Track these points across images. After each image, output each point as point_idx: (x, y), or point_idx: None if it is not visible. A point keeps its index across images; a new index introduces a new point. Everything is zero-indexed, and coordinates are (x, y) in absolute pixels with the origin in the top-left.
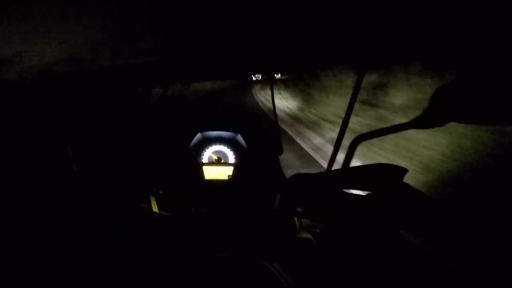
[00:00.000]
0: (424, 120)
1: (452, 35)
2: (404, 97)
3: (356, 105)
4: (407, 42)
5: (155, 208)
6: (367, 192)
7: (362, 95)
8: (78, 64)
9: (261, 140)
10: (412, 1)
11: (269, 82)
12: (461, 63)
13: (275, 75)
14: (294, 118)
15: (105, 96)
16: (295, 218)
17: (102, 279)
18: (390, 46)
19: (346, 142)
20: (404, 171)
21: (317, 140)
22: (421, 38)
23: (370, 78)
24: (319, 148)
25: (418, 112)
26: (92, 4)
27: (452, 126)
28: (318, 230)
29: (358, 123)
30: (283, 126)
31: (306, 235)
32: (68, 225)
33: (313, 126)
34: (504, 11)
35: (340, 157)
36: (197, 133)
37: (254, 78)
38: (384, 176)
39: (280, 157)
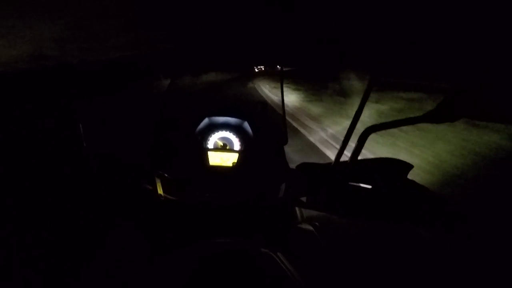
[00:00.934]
0: (435, 115)
1: (460, 37)
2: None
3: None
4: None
5: (160, 191)
6: (372, 186)
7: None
8: (45, 60)
9: (267, 129)
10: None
11: (280, 73)
12: (471, 63)
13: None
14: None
15: (117, 83)
16: (297, 209)
17: (107, 261)
18: (401, 47)
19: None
20: (409, 166)
21: (325, 132)
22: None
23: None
24: (326, 140)
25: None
26: (59, 3)
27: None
28: (317, 223)
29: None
30: (288, 118)
31: (307, 226)
32: (75, 203)
33: (320, 118)
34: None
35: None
36: (205, 118)
37: (256, 70)
38: (389, 171)
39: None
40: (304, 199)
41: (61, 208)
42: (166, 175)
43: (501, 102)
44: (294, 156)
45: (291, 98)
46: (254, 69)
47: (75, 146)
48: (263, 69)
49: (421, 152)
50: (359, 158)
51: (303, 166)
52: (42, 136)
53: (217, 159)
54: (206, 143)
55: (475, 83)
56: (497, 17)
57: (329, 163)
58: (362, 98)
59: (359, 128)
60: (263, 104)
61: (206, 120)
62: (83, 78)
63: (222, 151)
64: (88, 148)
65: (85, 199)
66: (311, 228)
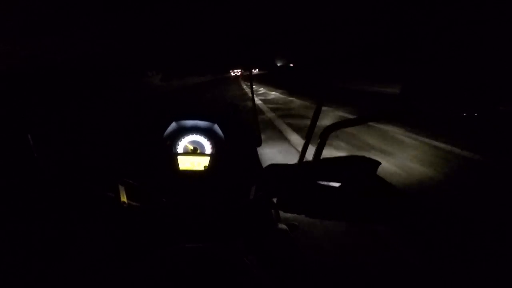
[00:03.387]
0: (390, 112)
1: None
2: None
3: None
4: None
5: (123, 198)
6: (339, 184)
7: None
8: None
9: (239, 131)
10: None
11: (249, 75)
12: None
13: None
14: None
15: (74, 87)
16: (272, 210)
17: (70, 273)
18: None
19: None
20: (377, 163)
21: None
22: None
23: None
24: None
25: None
26: None
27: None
28: (296, 223)
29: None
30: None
31: (282, 226)
32: (29, 218)
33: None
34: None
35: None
36: (172, 122)
37: (233, 74)
38: (358, 168)
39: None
40: (275, 200)
41: (12, 221)
42: (130, 181)
43: (451, 97)
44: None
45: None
46: (231, 73)
47: (23, 156)
48: (239, 73)
49: None
50: (324, 157)
51: (271, 167)
52: None
53: (187, 163)
54: (175, 148)
55: (428, 78)
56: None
57: (295, 163)
58: (319, 97)
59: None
60: (234, 106)
61: (173, 124)
62: (32, 87)
63: (193, 155)
64: (39, 157)
65: (38, 210)
66: (285, 228)
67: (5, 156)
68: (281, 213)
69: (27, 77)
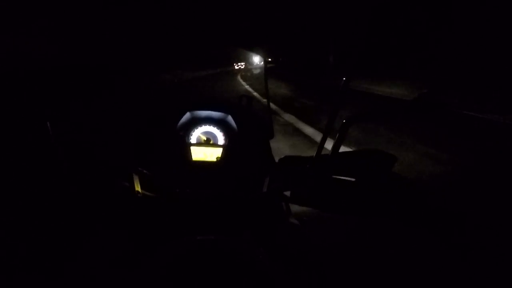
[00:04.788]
0: (418, 105)
1: None
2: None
3: None
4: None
5: (137, 188)
6: (356, 178)
7: None
8: None
9: (252, 123)
10: None
11: (264, 67)
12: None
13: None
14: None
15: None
16: (283, 203)
17: (87, 262)
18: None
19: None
20: (394, 158)
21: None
22: None
23: None
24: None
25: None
26: None
27: None
28: (306, 218)
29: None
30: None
31: (294, 221)
32: (46, 205)
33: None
34: None
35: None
36: (186, 112)
37: (236, 67)
38: (374, 163)
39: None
40: (288, 193)
41: (31, 210)
42: (145, 171)
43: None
44: None
45: None
46: (234, 66)
47: (43, 145)
48: (243, 66)
49: None
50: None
51: (286, 159)
52: (5, 137)
53: (200, 154)
54: (188, 138)
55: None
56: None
57: (312, 156)
58: (341, 89)
59: None
60: (248, 97)
61: (187, 115)
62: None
63: (206, 145)
64: (58, 146)
65: (56, 198)
66: (297, 223)
67: (24, 143)
68: (292, 207)
69: (45, 69)
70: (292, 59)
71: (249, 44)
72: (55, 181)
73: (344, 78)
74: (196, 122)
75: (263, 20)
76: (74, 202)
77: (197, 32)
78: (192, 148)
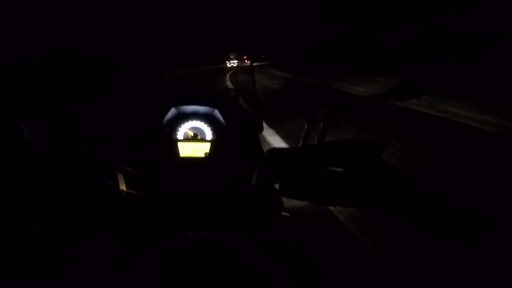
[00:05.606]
0: (400, 92)
1: None
2: None
3: None
4: None
5: (122, 186)
6: (343, 168)
7: None
8: None
9: (240, 116)
10: None
11: (250, 60)
12: None
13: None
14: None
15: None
16: (275, 197)
17: (70, 263)
18: None
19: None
20: (382, 147)
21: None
22: None
23: None
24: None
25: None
26: None
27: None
28: (296, 211)
29: None
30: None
31: (285, 214)
32: (25, 210)
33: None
34: None
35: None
36: (171, 108)
37: (229, 65)
38: (362, 152)
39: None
40: (277, 186)
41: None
42: (129, 169)
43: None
44: None
45: None
46: (226, 63)
47: (17, 146)
48: (235, 64)
49: None
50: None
51: (273, 151)
52: None
53: (188, 150)
54: (175, 134)
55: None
56: None
57: (296, 147)
58: (322, 76)
59: None
60: (235, 91)
61: (173, 110)
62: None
63: (193, 141)
64: (34, 148)
65: (34, 201)
66: (288, 216)
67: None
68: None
69: (23, 69)
70: (283, 56)
71: (240, 45)
72: (30, 173)
73: (324, 70)
74: (183, 117)
75: (256, 21)
76: (51, 190)
77: (197, 32)
78: (179, 144)
